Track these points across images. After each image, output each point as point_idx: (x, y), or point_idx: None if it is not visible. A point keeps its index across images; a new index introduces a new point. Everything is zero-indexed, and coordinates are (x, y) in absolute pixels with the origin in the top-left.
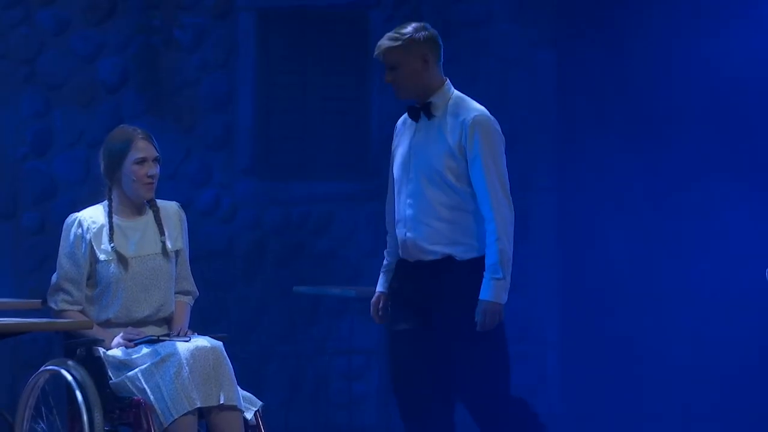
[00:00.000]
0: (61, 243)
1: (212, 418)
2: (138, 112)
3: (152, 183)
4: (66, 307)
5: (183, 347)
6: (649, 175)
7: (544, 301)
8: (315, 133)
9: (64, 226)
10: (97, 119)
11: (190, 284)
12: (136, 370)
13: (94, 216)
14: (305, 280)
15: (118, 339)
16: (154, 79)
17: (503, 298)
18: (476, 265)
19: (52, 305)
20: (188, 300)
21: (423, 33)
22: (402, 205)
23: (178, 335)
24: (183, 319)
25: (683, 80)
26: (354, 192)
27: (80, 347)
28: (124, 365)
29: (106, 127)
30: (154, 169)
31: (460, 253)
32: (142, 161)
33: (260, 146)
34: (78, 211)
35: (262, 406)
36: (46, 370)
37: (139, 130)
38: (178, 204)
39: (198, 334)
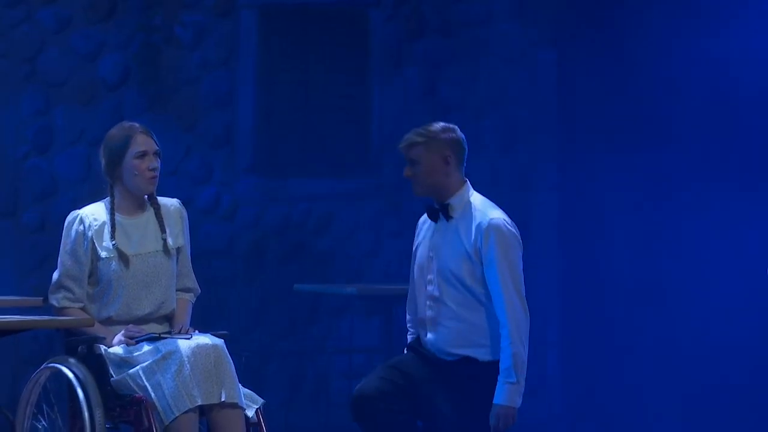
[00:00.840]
0: (63, 240)
1: (213, 415)
2: (139, 110)
3: (154, 176)
4: (67, 304)
5: (184, 345)
6: (650, 174)
7: (544, 300)
8: (316, 131)
9: (66, 223)
10: (98, 117)
11: (191, 281)
12: (138, 367)
13: (95, 213)
14: (306, 279)
15: (119, 336)
16: (155, 77)
17: (517, 402)
18: (496, 368)
19: (54, 303)
20: (190, 297)
21: (449, 134)
22: (422, 306)
23: (179, 333)
24: (184, 316)
25: (684, 80)
26: (355, 190)
27: (81, 345)
28: (125, 363)
29: (107, 125)
30: (155, 163)
31: (481, 355)
32: (142, 155)
33: (261, 144)
34: (79, 208)
35: (264, 404)
36: (47, 367)
37: (137, 125)
38: (178, 201)
39: (199, 332)
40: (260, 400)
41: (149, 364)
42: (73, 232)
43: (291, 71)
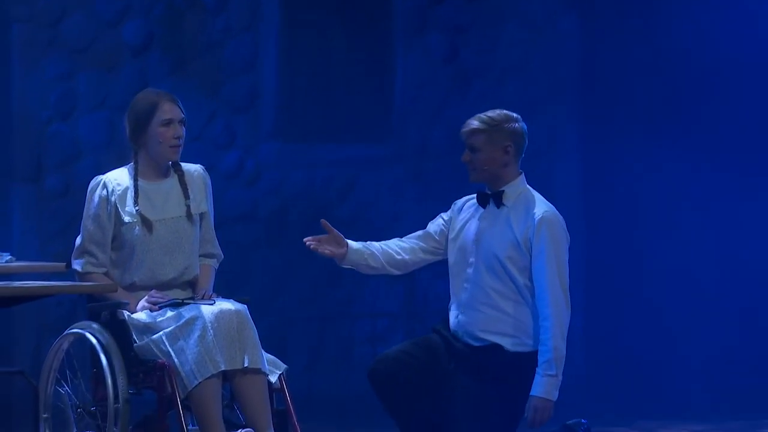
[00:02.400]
0: (86, 205)
1: (236, 381)
2: (162, 75)
3: (178, 145)
4: (91, 269)
5: (207, 310)
6: (674, 139)
7: (568, 264)
8: (339, 96)
9: (89, 188)
10: (121, 82)
11: (214, 247)
12: (161, 333)
13: (119, 178)
14: None
15: (142, 302)
16: (178, 41)
17: (554, 395)
18: (524, 359)
19: (77, 268)
20: (213, 263)
21: (512, 125)
22: (458, 288)
23: (202, 298)
24: (207, 282)
25: (713, 48)
26: (378, 155)
27: (104, 311)
28: (148, 329)
29: (131, 90)
30: (180, 131)
31: (509, 345)
32: (168, 123)
33: (284, 109)
34: (103, 173)
35: (287, 370)
36: (70, 333)
37: (164, 93)
38: (202, 167)
39: (222, 298)
40: (283, 366)
41: (172, 329)
42: (96, 197)
43: (314, 36)
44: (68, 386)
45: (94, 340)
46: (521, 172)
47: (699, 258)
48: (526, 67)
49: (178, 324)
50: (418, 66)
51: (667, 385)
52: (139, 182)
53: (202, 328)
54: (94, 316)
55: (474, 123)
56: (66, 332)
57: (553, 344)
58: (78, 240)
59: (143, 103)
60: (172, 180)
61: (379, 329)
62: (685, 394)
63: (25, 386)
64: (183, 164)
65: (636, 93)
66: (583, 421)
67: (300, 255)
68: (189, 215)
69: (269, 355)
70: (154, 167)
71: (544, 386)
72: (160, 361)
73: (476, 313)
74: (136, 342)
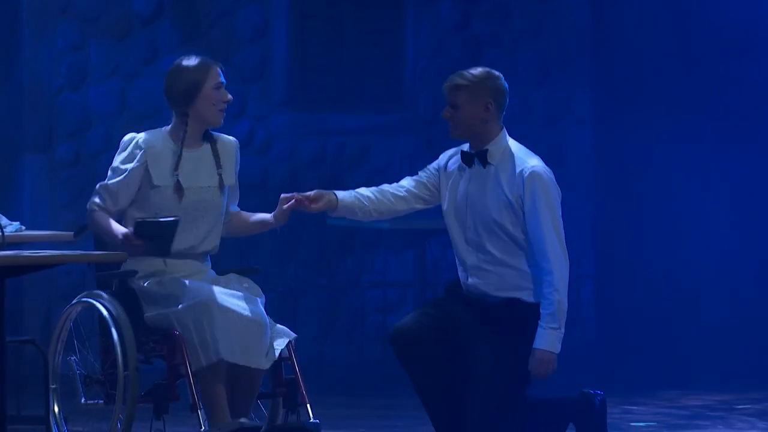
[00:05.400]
0: (116, 156)
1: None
2: (173, 44)
3: (224, 109)
4: (96, 208)
5: (223, 300)
6: (686, 107)
7: (579, 233)
8: (350, 64)
9: (122, 141)
10: (132, 52)
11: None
12: (172, 309)
13: (153, 139)
14: None
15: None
16: (189, 11)
17: (557, 347)
18: (537, 310)
19: (87, 205)
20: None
21: (494, 82)
22: (462, 252)
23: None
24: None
25: (729, 17)
26: (389, 125)
27: (114, 279)
28: (160, 299)
29: (141, 59)
30: (229, 95)
31: (527, 296)
32: (219, 86)
33: (295, 78)
34: (111, 145)
35: (295, 339)
36: (78, 302)
37: (209, 59)
38: (236, 141)
39: (235, 277)
40: (293, 335)
41: (184, 309)
42: (126, 152)
43: (325, 5)
44: (76, 355)
45: (105, 312)
46: (503, 127)
47: (710, 222)
48: (538, 36)
49: (189, 304)
50: (430, 34)
51: (682, 352)
52: (177, 148)
53: (212, 315)
54: (102, 284)
55: (456, 79)
56: (75, 301)
57: (556, 297)
58: (100, 183)
59: (194, 67)
60: (206, 148)
61: (390, 299)
62: (703, 359)
63: (36, 355)
64: (218, 134)
65: (647, 62)
66: (599, 392)
67: (311, 224)
68: (221, 185)
69: (278, 325)
70: (192, 133)
71: (548, 338)
72: (171, 331)
73: (486, 274)
74: (146, 312)
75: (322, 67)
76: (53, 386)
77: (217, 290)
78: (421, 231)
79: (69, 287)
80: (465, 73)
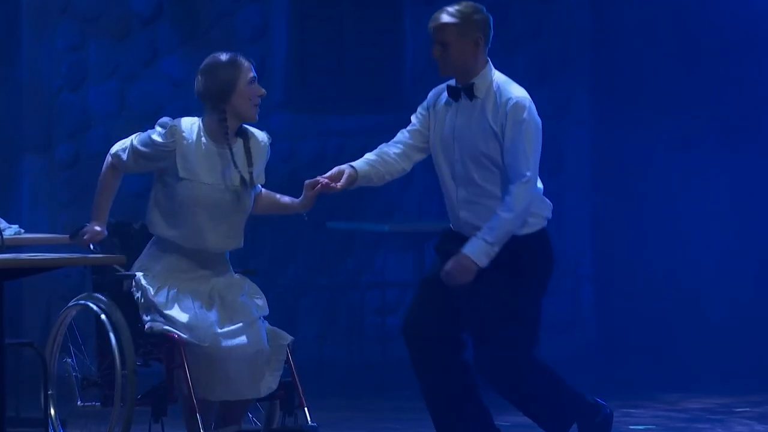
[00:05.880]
0: (150, 130)
1: None
2: (173, 44)
3: (258, 104)
4: (115, 162)
5: (226, 341)
6: (685, 107)
7: (578, 233)
8: (350, 65)
9: (159, 121)
10: (132, 52)
11: None
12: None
13: (188, 130)
14: (339, 214)
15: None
16: (189, 11)
17: (483, 262)
18: (531, 240)
19: (109, 154)
20: None
21: (480, 15)
22: (450, 186)
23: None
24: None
25: (728, 16)
26: (388, 125)
27: (109, 283)
28: (156, 308)
29: (141, 60)
30: (262, 90)
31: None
32: (253, 81)
33: (295, 79)
34: (110, 145)
35: (293, 341)
36: (75, 304)
37: (240, 55)
38: (268, 137)
39: (239, 278)
40: (289, 338)
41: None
42: (159, 135)
43: (325, 5)
44: (73, 358)
45: (103, 316)
46: (488, 60)
47: (710, 222)
48: (538, 36)
49: (200, 343)
50: (429, 34)
51: (682, 353)
52: (209, 144)
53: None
54: (98, 287)
55: (444, 17)
56: (71, 303)
57: (505, 216)
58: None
59: (226, 64)
60: (238, 145)
61: (389, 300)
62: (703, 360)
63: (35, 358)
64: (251, 129)
65: (647, 62)
66: (608, 406)
67: (310, 225)
68: (249, 183)
69: (276, 328)
70: (230, 130)
71: (477, 248)
72: (170, 333)
73: (477, 207)
74: (144, 320)
75: (321, 67)
76: (50, 392)
77: (221, 333)
78: (421, 233)
79: (68, 290)
80: (450, 9)
